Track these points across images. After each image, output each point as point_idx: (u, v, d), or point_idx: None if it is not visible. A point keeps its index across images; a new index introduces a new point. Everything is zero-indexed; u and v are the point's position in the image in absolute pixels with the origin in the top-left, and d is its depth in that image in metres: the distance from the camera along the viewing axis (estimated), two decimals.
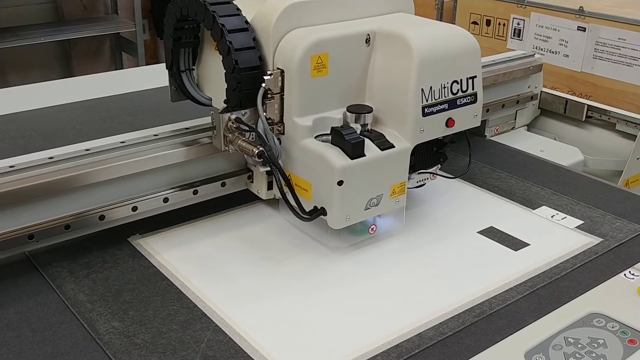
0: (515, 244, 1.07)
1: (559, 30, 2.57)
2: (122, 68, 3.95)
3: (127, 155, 1.03)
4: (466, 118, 1.07)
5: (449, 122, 1.04)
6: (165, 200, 1.08)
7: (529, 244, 1.07)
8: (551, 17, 2.59)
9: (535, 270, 1.00)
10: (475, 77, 1.06)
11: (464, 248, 1.06)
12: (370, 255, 1.04)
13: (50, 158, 0.99)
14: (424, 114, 1.00)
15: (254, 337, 0.85)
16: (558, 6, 2.57)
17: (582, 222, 1.14)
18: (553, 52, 2.61)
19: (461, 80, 1.04)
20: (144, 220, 1.10)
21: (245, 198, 1.17)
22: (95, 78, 1.90)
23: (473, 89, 1.06)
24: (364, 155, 0.96)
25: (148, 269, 0.99)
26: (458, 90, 1.04)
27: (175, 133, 1.09)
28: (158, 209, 1.08)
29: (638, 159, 1.46)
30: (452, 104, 1.04)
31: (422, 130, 1.01)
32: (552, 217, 1.16)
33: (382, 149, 0.98)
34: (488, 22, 2.85)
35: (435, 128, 1.03)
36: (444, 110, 1.03)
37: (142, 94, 1.64)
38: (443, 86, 1.02)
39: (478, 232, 1.10)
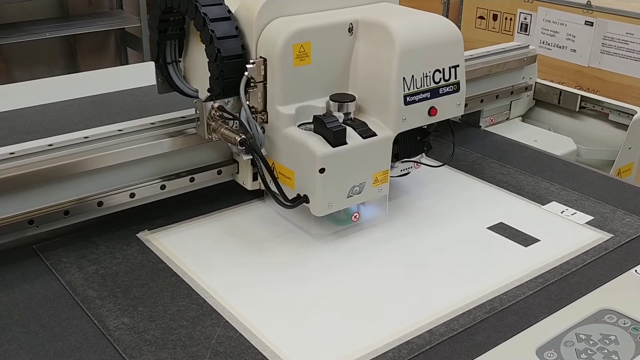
0: (526, 239, 1.07)
1: (566, 25, 2.56)
2: (127, 63, 3.95)
3: (125, 142, 1.05)
4: (449, 107, 1.08)
5: (432, 111, 1.05)
6: (163, 187, 1.09)
7: (539, 240, 1.06)
8: (558, 11, 2.58)
9: (545, 266, 1.00)
10: (457, 66, 1.07)
11: (473, 244, 1.06)
12: (368, 244, 1.04)
13: (50, 145, 1.01)
14: (406, 103, 1.01)
15: (265, 333, 0.85)
16: (565, 0, 2.55)
17: (592, 217, 1.14)
18: (560, 47, 2.59)
19: (443, 69, 1.05)
20: (153, 215, 1.10)
21: (253, 194, 1.17)
22: (101, 73, 1.89)
23: (456, 78, 1.07)
24: (346, 143, 0.97)
25: (157, 264, 0.99)
26: (440, 79, 1.05)
27: (172, 121, 1.11)
28: (155, 196, 1.09)
29: (630, 148, 1.48)
30: (435, 93, 1.04)
31: (405, 119, 1.02)
32: (562, 212, 1.15)
33: (364, 137, 0.99)
34: (495, 17, 2.83)
35: (417, 117, 1.04)
36: (426, 99, 1.03)
37: (147, 89, 1.64)
38: (425, 75, 1.03)
39: (488, 228, 1.10)
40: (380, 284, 0.96)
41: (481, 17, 2.89)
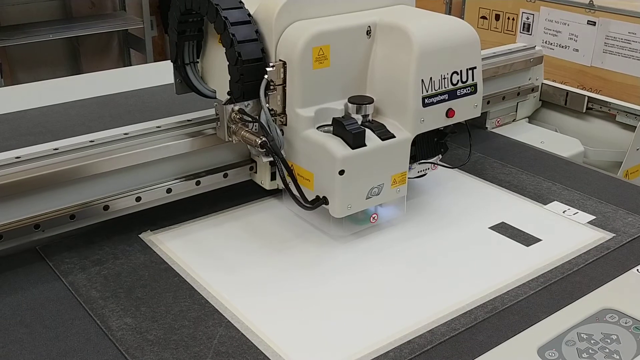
0: (527, 239, 1.07)
1: (568, 25, 2.56)
2: (130, 65, 3.96)
3: (131, 146, 1.05)
4: (466, 108, 1.08)
5: (449, 113, 1.05)
6: (169, 190, 1.09)
7: (540, 240, 1.07)
8: (561, 11, 2.58)
9: (547, 265, 1.00)
10: (475, 67, 1.07)
11: (475, 244, 1.06)
12: (381, 245, 1.04)
13: (55, 149, 1.01)
14: (424, 105, 1.01)
15: (266, 333, 0.85)
16: (568, 0, 2.56)
17: (594, 217, 1.14)
18: (563, 47, 2.59)
19: (461, 71, 1.05)
20: (155, 216, 1.10)
21: (255, 193, 1.17)
22: (104, 75, 1.90)
23: (473, 80, 1.07)
24: (365, 145, 0.98)
25: (159, 265, 0.99)
26: (458, 81, 1.05)
27: (177, 125, 1.11)
28: (161, 200, 1.09)
29: (638, 149, 1.47)
30: (452, 95, 1.05)
31: (423, 121, 1.02)
32: (563, 212, 1.15)
33: (382, 139, 0.99)
34: (497, 17, 2.84)
35: (435, 118, 1.04)
36: (444, 100, 1.04)
37: (150, 90, 1.64)
38: (443, 77, 1.03)
39: (489, 228, 1.10)
40: (381, 283, 0.96)
41: (484, 17, 2.89)
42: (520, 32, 2.74)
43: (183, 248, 1.03)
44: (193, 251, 1.03)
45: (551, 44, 2.62)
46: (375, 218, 1.07)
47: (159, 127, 1.10)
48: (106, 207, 1.04)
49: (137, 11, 3.77)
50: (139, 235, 1.06)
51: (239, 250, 1.04)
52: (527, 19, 2.70)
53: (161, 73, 1.73)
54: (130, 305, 0.90)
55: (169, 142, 1.07)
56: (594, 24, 2.48)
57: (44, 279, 0.96)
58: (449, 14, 3.12)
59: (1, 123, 1.45)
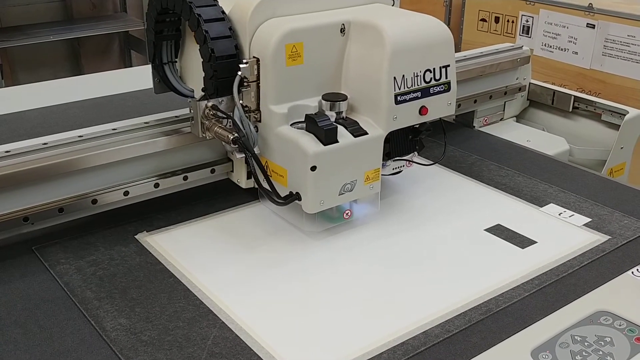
0: (523, 241, 1.07)
1: (568, 27, 2.56)
2: (131, 66, 3.96)
3: (119, 141, 1.06)
4: (440, 106, 1.09)
5: (422, 110, 1.06)
6: (156, 185, 1.10)
7: (536, 242, 1.07)
8: (560, 14, 2.58)
9: (542, 268, 1.00)
10: (448, 65, 1.08)
11: (471, 245, 1.06)
12: (370, 245, 1.04)
13: (44, 144, 1.03)
14: (397, 102, 1.02)
15: (260, 334, 0.85)
16: (567, 3, 2.56)
17: (590, 219, 1.14)
18: (562, 49, 2.59)
19: (434, 69, 1.06)
20: (152, 217, 1.10)
21: (252, 195, 1.17)
22: (105, 76, 1.90)
23: (446, 78, 1.08)
24: (337, 142, 0.99)
25: (155, 266, 0.99)
26: (431, 78, 1.06)
27: (165, 121, 1.13)
28: (149, 194, 1.11)
29: (622, 148, 1.49)
30: (425, 92, 1.06)
31: (395, 118, 1.03)
32: (559, 214, 1.16)
33: (355, 136, 1.01)
34: (497, 20, 2.84)
35: (408, 116, 1.05)
36: (416, 98, 1.05)
37: (150, 91, 1.63)
38: (416, 75, 1.04)
39: (485, 230, 1.10)
40: (376, 285, 0.97)
41: (483, 20, 2.89)
42: (520, 35, 2.74)
43: (178, 249, 1.03)
44: (188, 252, 1.03)
45: (550, 46, 2.62)
46: (349, 214, 1.08)
47: (146, 123, 1.11)
48: (94, 201, 1.05)
49: (138, 13, 3.78)
50: (135, 236, 1.07)
51: (235, 251, 1.04)
52: (527, 21, 2.71)
53: None
54: (124, 305, 0.90)
55: (157, 137, 1.08)
56: (593, 26, 2.48)
57: (40, 279, 0.96)
58: (449, 16, 3.12)
59: (1, 124, 1.45)
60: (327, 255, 1.03)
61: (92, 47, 3.87)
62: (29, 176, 0.99)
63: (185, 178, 1.13)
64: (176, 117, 1.14)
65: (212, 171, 1.15)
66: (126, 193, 1.08)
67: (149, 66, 1.18)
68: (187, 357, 0.81)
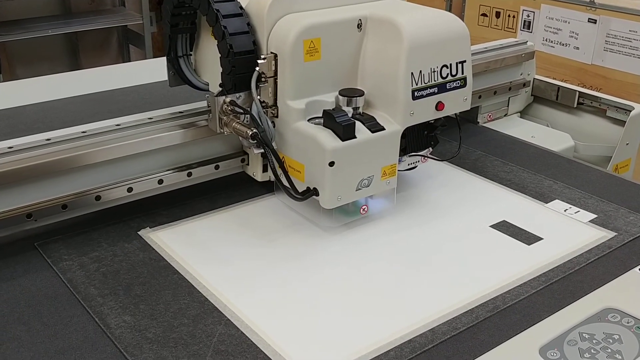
0: (529, 238, 1.06)
1: (569, 23, 2.55)
2: (129, 61, 3.95)
3: (123, 137, 1.05)
4: (456, 102, 1.09)
5: (439, 106, 1.06)
6: (160, 181, 1.09)
7: (542, 238, 1.06)
8: (561, 9, 2.57)
9: (548, 264, 0.99)
10: (464, 61, 1.08)
11: (476, 242, 1.05)
12: (383, 238, 1.04)
13: (48, 140, 1.02)
14: (414, 98, 1.02)
15: (266, 332, 0.85)
16: None
17: (596, 216, 1.13)
18: (563, 45, 2.59)
19: (450, 64, 1.06)
20: (155, 213, 1.10)
21: (254, 191, 1.17)
22: (103, 71, 1.89)
23: (463, 73, 1.08)
24: (355, 137, 0.98)
25: (158, 262, 0.98)
26: (448, 74, 1.06)
27: (169, 116, 1.12)
28: (153, 191, 1.10)
29: (627, 144, 1.48)
30: (442, 88, 1.06)
31: (412, 114, 1.03)
32: (565, 211, 1.15)
33: (372, 132, 1.01)
34: (497, 14, 2.83)
35: (424, 111, 1.05)
36: (433, 94, 1.05)
37: (150, 86, 1.64)
38: (432, 70, 1.04)
39: (491, 226, 1.09)
40: (383, 282, 0.96)
41: (484, 15, 2.88)
42: (521, 30, 2.73)
43: (182, 245, 1.03)
44: (192, 248, 1.02)
45: (552, 41, 2.61)
46: (365, 209, 1.08)
47: (150, 118, 1.10)
48: (98, 198, 1.04)
49: (137, 7, 3.76)
50: (138, 232, 1.06)
51: (239, 247, 1.03)
52: (528, 16, 2.70)
53: (160, 69, 1.70)
54: (129, 302, 0.90)
55: (161, 133, 1.07)
56: (594, 21, 2.47)
57: (43, 276, 0.95)
58: (449, 10, 3.11)
59: (0, 119, 1.44)
60: (338, 249, 1.02)
61: (90, 41, 3.85)
62: (32, 172, 0.98)
63: (189, 174, 1.12)
64: (180, 112, 1.13)
65: (217, 167, 1.14)
66: (130, 189, 1.07)
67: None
68: (192, 354, 0.80)
